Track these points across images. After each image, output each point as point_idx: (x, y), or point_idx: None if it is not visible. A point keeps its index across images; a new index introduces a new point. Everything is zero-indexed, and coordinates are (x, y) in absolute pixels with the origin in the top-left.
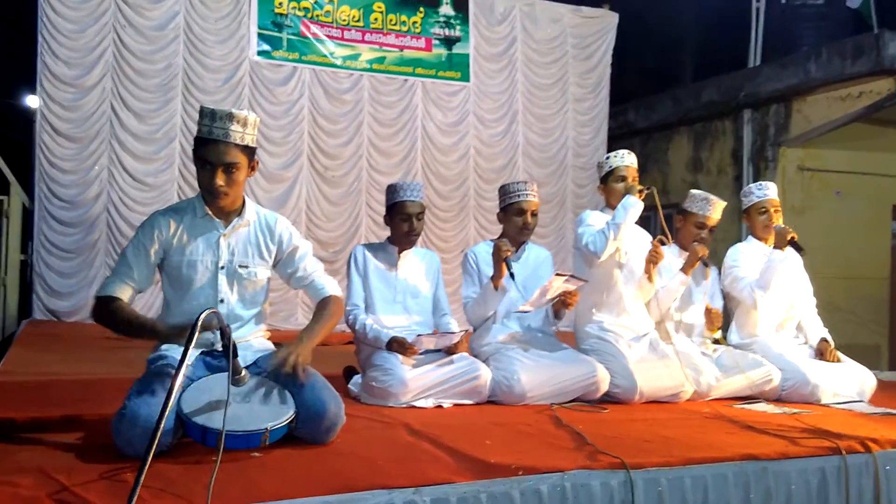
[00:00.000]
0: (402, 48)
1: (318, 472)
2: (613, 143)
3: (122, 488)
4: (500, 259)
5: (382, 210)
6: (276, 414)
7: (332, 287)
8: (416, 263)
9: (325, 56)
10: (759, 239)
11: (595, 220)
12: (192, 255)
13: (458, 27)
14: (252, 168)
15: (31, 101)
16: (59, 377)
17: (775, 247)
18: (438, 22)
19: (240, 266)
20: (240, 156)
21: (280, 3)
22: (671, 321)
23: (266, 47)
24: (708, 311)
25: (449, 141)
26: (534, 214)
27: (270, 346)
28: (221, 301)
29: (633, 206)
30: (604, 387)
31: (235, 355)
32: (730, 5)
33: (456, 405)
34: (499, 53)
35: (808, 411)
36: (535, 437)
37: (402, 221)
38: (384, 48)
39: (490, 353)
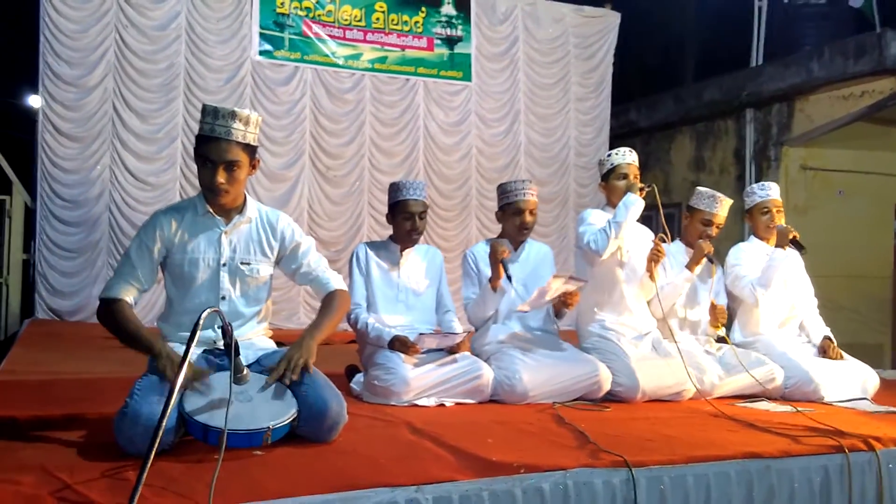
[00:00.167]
0: (403, 48)
1: (321, 470)
2: (615, 143)
3: (124, 486)
4: (496, 260)
5: (384, 209)
6: (279, 412)
7: (336, 282)
8: (418, 262)
9: (326, 56)
10: (762, 238)
11: (596, 218)
12: (193, 253)
13: (459, 27)
14: (253, 167)
15: (34, 100)
16: (62, 376)
17: (777, 246)
18: (440, 21)
19: (242, 263)
20: (241, 154)
21: (282, 3)
22: (675, 318)
23: (268, 47)
24: (713, 307)
25: (451, 140)
26: (532, 213)
27: (272, 344)
28: (223, 298)
29: (635, 204)
30: (606, 386)
31: (237, 353)
32: (732, 5)
33: (458, 404)
34: (501, 53)
35: (811, 409)
36: (538, 436)
37: (405, 220)
38: (386, 48)
39: (491, 352)
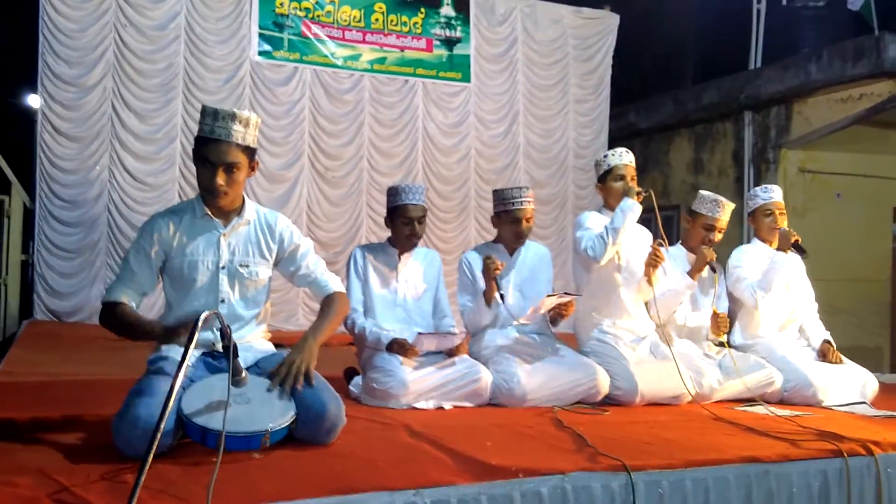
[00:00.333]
0: (402, 49)
1: (319, 473)
2: (614, 145)
3: (122, 489)
4: (489, 276)
5: (383, 211)
6: (277, 415)
7: (335, 284)
8: (416, 266)
9: (325, 56)
10: (764, 241)
11: (593, 222)
12: (192, 256)
13: (458, 28)
14: (252, 168)
15: (33, 100)
16: (60, 378)
17: (778, 249)
18: (439, 23)
19: (240, 265)
20: (241, 156)
21: (281, 4)
22: (674, 325)
23: (267, 47)
24: (714, 315)
25: (450, 142)
26: (528, 220)
27: (271, 346)
28: (222, 301)
29: (632, 209)
30: (604, 390)
31: (236, 356)
32: (730, 7)
33: (456, 407)
34: (500, 54)
35: (810, 413)
36: (536, 439)
37: (404, 225)
38: (385, 49)
39: (490, 356)
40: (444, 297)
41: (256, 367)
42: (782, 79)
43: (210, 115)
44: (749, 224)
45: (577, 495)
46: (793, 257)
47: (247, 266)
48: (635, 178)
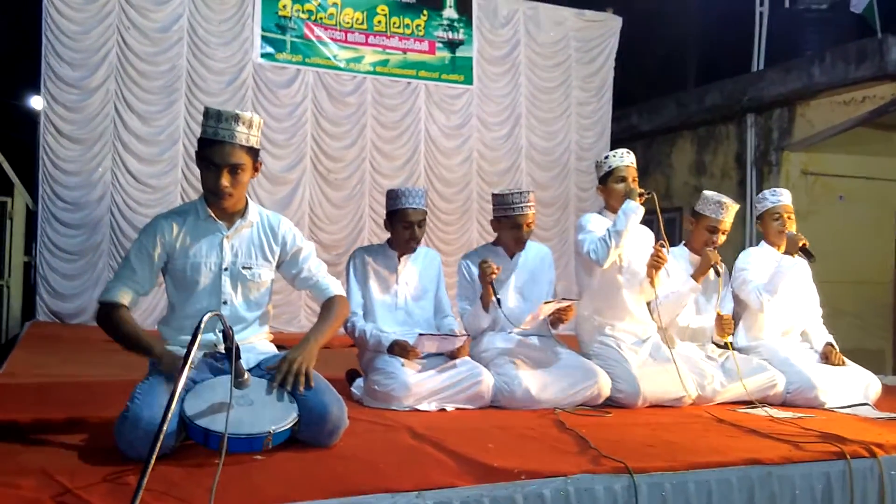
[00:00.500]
0: (405, 51)
1: (321, 475)
2: (616, 147)
3: (124, 491)
4: (486, 282)
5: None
6: (279, 417)
7: (336, 287)
8: (416, 267)
9: (328, 59)
10: (772, 244)
11: (595, 225)
12: (195, 258)
13: (461, 30)
14: (256, 169)
15: (35, 102)
16: (62, 379)
17: (786, 253)
18: (442, 25)
19: (243, 268)
20: (244, 157)
21: (284, 6)
22: (676, 328)
23: (269, 50)
24: (719, 318)
25: (452, 144)
26: (529, 225)
27: (273, 348)
28: (225, 303)
29: (634, 211)
30: (606, 392)
31: (238, 357)
32: (733, 9)
33: (458, 409)
34: (502, 56)
35: (813, 416)
36: (539, 441)
37: (404, 229)
38: (387, 51)
39: (491, 358)
40: (445, 296)
41: (259, 369)
42: (785, 81)
43: (213, 117)
44: (755, 227)
45: (580, 497)
46: (799, 261)
47: (249, 268)
48: (637, 179)
